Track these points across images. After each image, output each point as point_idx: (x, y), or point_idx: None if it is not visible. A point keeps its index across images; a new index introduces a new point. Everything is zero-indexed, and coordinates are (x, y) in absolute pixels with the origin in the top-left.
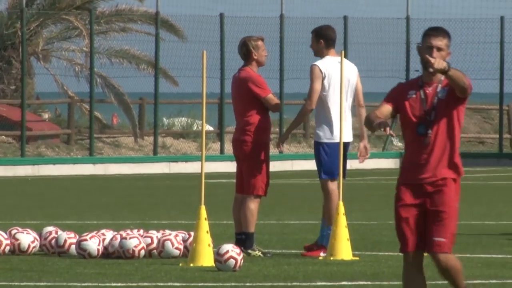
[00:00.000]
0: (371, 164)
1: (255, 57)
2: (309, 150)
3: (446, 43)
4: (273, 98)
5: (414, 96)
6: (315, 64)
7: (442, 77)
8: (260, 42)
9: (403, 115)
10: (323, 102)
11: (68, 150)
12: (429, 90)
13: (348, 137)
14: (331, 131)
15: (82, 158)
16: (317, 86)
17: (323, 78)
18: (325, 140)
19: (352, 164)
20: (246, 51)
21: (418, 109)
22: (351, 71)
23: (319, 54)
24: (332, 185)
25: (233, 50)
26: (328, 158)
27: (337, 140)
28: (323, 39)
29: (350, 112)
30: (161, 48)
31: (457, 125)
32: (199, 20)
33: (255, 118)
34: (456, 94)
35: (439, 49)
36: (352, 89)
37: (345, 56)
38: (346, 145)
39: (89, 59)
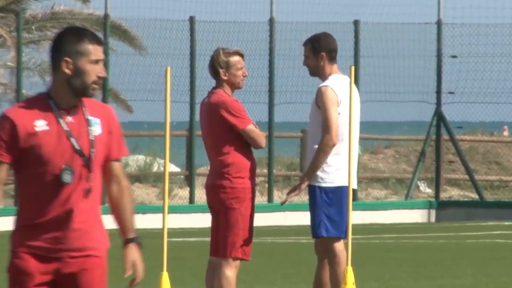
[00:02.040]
0: (389, 216)
1: (225, 78)
2: (307, 198)
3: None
4: (254, 130)
5: None
6: (326, 86)
7: None
8: (235, 58)
9: None
10: None
11: None
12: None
13: (354, 182)
14: (336, 173)
15: (7, 208)
16: (335, 114)
17: (338, 105)
18: (325, 184)
19: (364, 217)
20: (212, 69)
21: None
22: (358, 97)
23: (318, 72)
24: (339, 245)
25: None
26: (333, 208)
27: (342, 183)
28: (324, 51)
29: (357, 150)
30: (111, 62)
31: None
32: (162, 26)
33: (234, 156)
34: None
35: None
36: (359, 119)
37: (356, 74)
38: (353, 192)
39: (16, 77)
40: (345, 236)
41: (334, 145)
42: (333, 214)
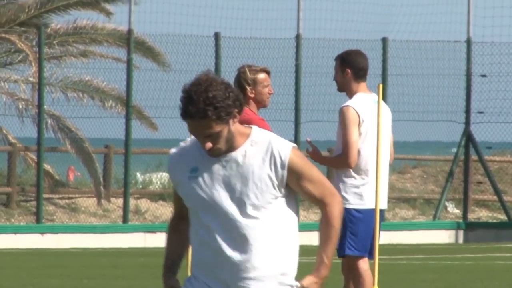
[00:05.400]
0: (417, 237)
1: (251, 95)
2: (316, 218)
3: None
4: None
5: None
6: (348, 106)
7: None
8: (261, 76)
9: None
10: None
11: (8, 215)
12: None
13: (384, 203)
14: (361, 194)
15: (26, 226)
16: (355, 135)
17: (359, 124)
18: (350, 206)
19: (391, 238)
20: (238, 86)
21: None
22: (388, 114)
23: (345, 88)
24: (364, 264)
25: (232, 82)
26: (357, 227)
27: (368, 206)
28: (350, 68)
29: (388, 170)
30: (135, 79)
31: None
32: (187, 42)
33: None
34: None
35: None
36: (389, 139)
37: (384, 92)
38: (380, 213)
39: (37, 92)
40: (370, 257)
41: (350, 166)
42: (359, 233)
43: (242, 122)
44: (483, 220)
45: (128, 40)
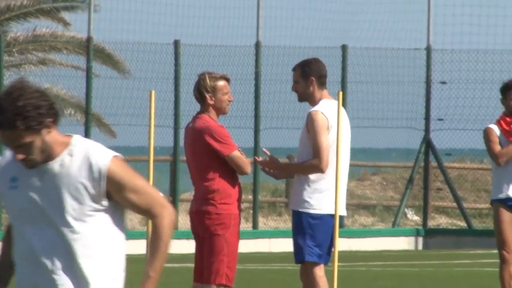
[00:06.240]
0: (376, 244)
1: (211, 102)
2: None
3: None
4: (239, 156)
5: None
6: (316, 110)
7: None
8: (221, 83)
9: None
10: None
11: None
12: None
13: (343, 209)
14: (323, 199)
15: None
16: (327, 140)
17: (328, 129)
18: (313, 210)
19: (351, 244)
20: (198, 93)
21: None
22: (347, 120)
23: (308, 97)
24: (319, 271)
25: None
26: (316, 233)
27: (329, 211)
28: (314, 77)
29: (346, 177)
30: (94, 86)
31: None
32: (146, 49)
33: (219, 182)
34: None
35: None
36: (349, 145)
37: (344, 99)
38: (340, 219)
39: None
40: (326, 263)
41: (322, 171)
42: (317, 240)
43: (202, 129)
44: (442, 227)
45: (87, 48)
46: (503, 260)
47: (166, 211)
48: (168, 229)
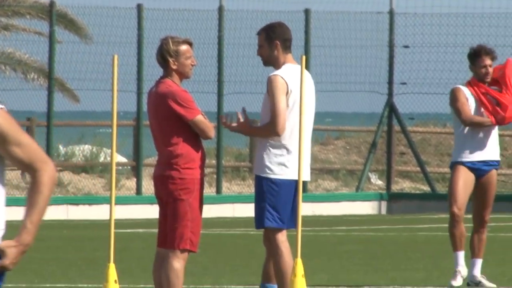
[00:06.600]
0: (340, 209)
1: (174, 67)
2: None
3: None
4: (203, 121)
5: None
6: (276, 74)
7: None
8: (183, 47)
9: None
10: None
11: None
12: None
13: (306, 174)
14: (284, 164)
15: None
16: (283, 103)
17: (287, 94)
18: (274, 176)
19: (314, 209)
20: (161, 57)
21: None
22: (312, 86)
23: (273, 61)
24: (281, 236)
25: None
26: (277, 199)
27: (291, 177)
28: (279, 40)
29: (309, 142)
30: (57, 51)
31: None
32: (109, 14)
33: (183, 147)
34: None
35: None
36: (313, 110)
37: (307, 63)
38: (303, 184)
39: None
40: (289, 227)
41: (278, 134)
42: (278, 205)
43: (165, 94)
44: (406, 191)
45: (50, 13)
46: (454, 218)
47: (47, 166)
48: (48, 184)
